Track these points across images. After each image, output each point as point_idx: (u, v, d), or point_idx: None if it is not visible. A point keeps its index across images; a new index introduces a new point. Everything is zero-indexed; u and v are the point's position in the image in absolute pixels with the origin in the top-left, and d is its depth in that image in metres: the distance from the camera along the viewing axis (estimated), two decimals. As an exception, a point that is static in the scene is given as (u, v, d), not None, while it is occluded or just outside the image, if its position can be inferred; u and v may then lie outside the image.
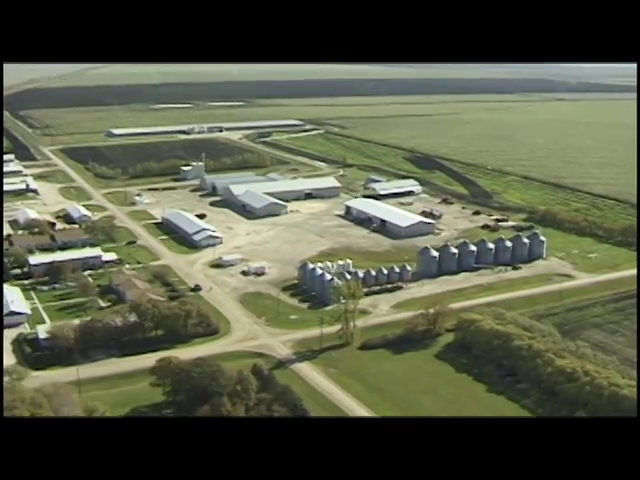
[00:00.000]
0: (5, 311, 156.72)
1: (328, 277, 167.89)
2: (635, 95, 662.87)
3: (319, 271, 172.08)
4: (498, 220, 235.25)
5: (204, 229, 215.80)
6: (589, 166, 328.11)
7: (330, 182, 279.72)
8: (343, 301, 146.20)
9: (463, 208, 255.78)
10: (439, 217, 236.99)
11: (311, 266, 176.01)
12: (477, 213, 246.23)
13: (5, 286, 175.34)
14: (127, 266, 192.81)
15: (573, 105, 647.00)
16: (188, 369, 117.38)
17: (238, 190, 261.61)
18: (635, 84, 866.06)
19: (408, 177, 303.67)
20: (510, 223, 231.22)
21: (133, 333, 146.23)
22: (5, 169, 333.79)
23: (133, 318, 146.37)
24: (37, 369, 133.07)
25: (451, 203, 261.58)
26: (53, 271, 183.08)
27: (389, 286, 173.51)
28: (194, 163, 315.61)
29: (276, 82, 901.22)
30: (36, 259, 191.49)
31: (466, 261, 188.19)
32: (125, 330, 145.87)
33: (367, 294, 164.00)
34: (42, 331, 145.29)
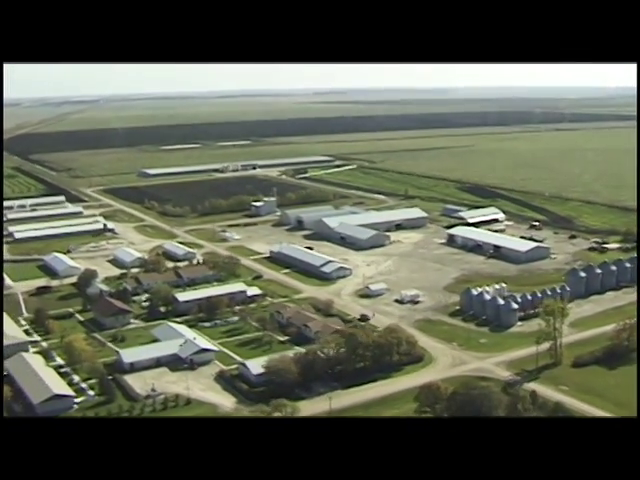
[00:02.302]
0: (195, 349, 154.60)
1: (501, 301, 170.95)
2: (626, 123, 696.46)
3: (487, 296, 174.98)
4: (599, 243, 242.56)
5: (331, 261, 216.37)
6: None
7: (417, 213, 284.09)
8: (552, 320, 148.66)
9: (555, 233, 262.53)
10: (541, 242, 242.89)
11: (475, 292, 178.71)
12: (573, 237, 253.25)
13: (169, 323, 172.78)
14: (274, 300, 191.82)
15: (574, 134, 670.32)
16: (464, 392, 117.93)
17: (332, 223, 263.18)
18: (602, 112, 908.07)
19: (475, 207, 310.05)
20: (615, 245, 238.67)
21: (343, 364, 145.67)
22: (63, 210, 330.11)
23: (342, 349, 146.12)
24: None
25: (540, 229, 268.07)
26: (208, 307, 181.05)
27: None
28: (266, 199, 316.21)
29: (276, 121, 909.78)
30: (185, 296, 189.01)
31: (608, 281, 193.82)
32: (336, 361, 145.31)
33: (534, 315, 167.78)
34: (254, 367, 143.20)
